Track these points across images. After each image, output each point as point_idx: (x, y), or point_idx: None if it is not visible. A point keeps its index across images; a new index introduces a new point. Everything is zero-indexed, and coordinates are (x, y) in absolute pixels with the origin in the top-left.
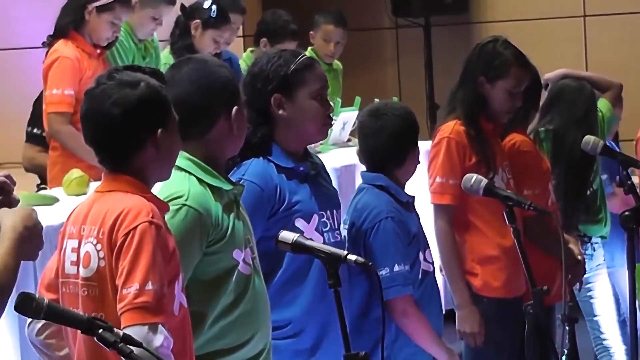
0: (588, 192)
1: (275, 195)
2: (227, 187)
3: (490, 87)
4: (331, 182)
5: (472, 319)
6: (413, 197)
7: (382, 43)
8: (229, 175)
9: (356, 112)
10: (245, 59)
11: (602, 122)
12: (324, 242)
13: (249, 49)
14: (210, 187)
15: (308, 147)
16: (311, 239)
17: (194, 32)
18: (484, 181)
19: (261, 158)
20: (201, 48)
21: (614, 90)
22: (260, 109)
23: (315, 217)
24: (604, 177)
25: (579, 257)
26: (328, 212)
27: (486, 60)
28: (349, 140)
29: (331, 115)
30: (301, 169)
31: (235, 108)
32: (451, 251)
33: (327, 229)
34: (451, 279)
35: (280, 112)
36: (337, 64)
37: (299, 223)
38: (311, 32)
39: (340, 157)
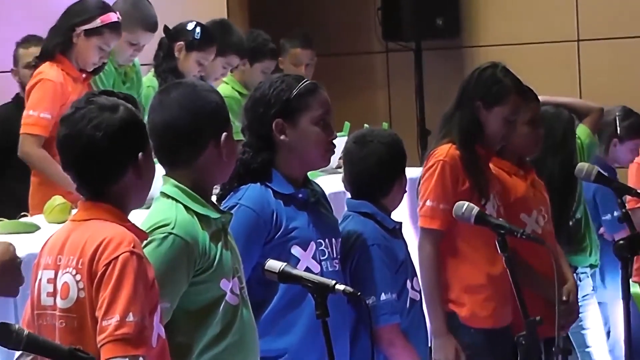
0: (571, 222)
1: (272, 221)
2: (214, 215)
3: (487, 113)
4: (332, 210)
5: (448, 347)
6: (400, 223)
7: (372, 67)
8: (225, 201)
9: (345, 138)
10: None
11: (582, 149)
12: (322, 271)
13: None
14: (198, 215)
15: None
16: (307, 268)
17: (177, 55)
18: (476, 209)
19: (258, 183)
20: (185, 71)
21: (593, 115)
22: (261, 134)
23: (313, 245)
24: (607, 217)
25: (570, 297)
26: (327, 240)
27: (485, 85)
28: (338, 167)
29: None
30: (300, 195)
31: (224, 134)
32: (434, 277)
33: (325, 257)
34: (430, 305)
35: (282, 137)
36: None
37: (296, 250)
38: (280, 59)
39: (328, 183)
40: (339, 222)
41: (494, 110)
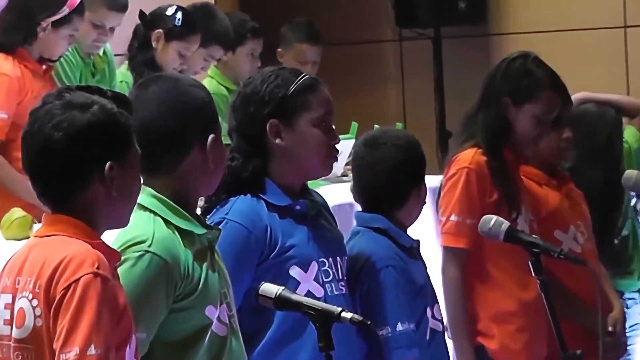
0: (616, 240)
1: (265, 238)
2: (199, 231)
3: (516, 111)
4: (335, 224)
5: None
6: (418, 241)
7: (383, 58)
8: (210, 215)
9: (352, 141)
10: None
11: (629, 154)
12: (325, 295)
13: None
14: (180, 230)
15: None
16: (309, 292)
17: (155, 45)
18: (505, 224)
19: (249, 195)
20: (164, 63)
21: None
22: (252, 138)
23: (315, 265)
24: None
25: (616, 327)
26: (330, 259)
27: (514, 78)
28: (343, 174)
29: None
30: (298, 207)
31: (211, 137)
32: (460, 304)
33: (329, 279)
34: (455, 337)
35: (277, 141)
36: None
37: (294, 271)
38: (279, 50)
39: (332, 194)
40: (346, 239)
41: (524, 107)
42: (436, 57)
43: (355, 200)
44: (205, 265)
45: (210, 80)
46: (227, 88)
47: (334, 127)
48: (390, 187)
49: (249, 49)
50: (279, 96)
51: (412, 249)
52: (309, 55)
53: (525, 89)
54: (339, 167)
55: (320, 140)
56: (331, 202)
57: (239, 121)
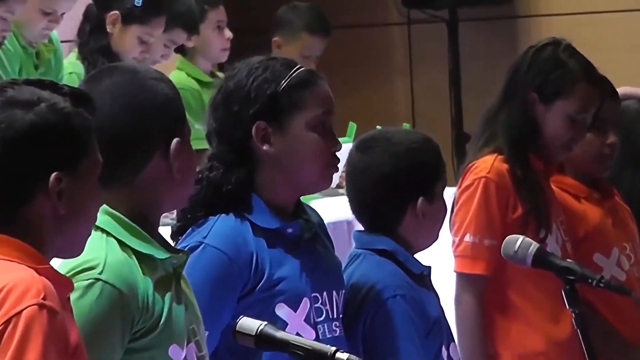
0: None
1: (250, 268)
2: (161, 255)
3: (545, 109)
4: (333, 249)
5: None
6: (429, 268)
7: (388, 45)
8: (184, 237)
9: (349, 145)
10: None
11: None
12: (317, 338)
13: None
14: (137, 254)
15: None
16: (297, 335)
17: (110, 29)
18: (534, 246)
19: (232, 214)
20: (122, 50)
21: None
22: (236, 143)
23: (306, 302)
24: None
25: None
26: (325, 294)
27: (542, 70)
28: (338, 185)
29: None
30: (290, 231)
31: (176, 140)
32: (478, 341)
33: (321, 318)
34: None
35: (265, 147)
36: None
37: (282, 311)
38: (276, 39)
39: (327, 209)
40: (344, 264)
41: (554, 105)
42: (452, 43)
43: (357, 218)
44: (168, 295)
45: (179, 73)
46: (198, 80)
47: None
48: (378, 200)
49: (212, 22)
50: (267, 93)
51: (423, 277)
52: (318, 48)
53: (556, 83)
54: (334, 176)
55: (317, 147)
56: (325, 219)
57: (220, 122)
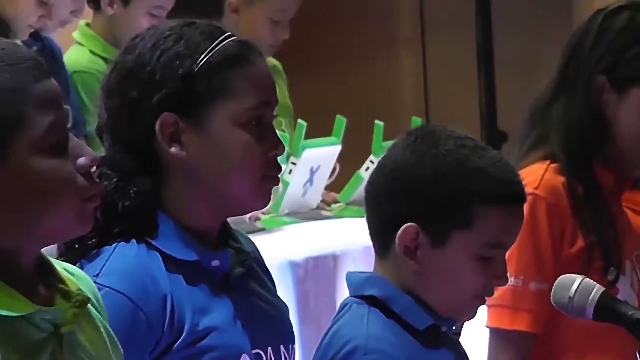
0: None
1: (164, 317)
2: (19, 311)
3: (618, 99)
4: (275, 289)
5: None
6: (449, 322)
7: (393, 9)
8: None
9: (337, 148)
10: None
11: None
12: None
13: (84, 22)
14: None
15: (235, 219)
16: None
17: None
18: (597, 290)
19: (134, 240)
20: (13, 14)
21: None
22: (134, 142)
23: None
24: None
25: None
26: (270, 350)
27: (615, 45)
28: (321, 206)
29: (279, 158)
30: (215, 263)
31: (17, 140)
32: None
33: None
34: None
35: (174, 149)
36: (274, 61)
37: None
38: (231, 0)
39: (306, 238)
40: (335, 316)
41: (631, 93)
42: (481, 5)
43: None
44: None
45: (80, 50)
46: (106, 60)
47: (280, 128)
48: (373, 225)
49: (145, 3)
50: (179, 73)
51: (435, 334)
52: (292, 9)
53: (635, 63)
54: (315, 192)
55: (249, 150)
56: (303, 253)
57: (114, 114)
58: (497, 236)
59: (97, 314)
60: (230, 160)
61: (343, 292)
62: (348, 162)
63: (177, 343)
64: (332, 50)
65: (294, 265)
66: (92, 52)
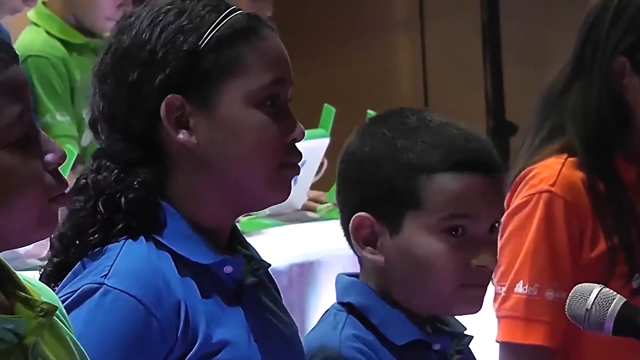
0: None
1: (177, 325)
2: None
3: None
4: (281, 302)
5: None
6: (442, 338)
7: None
8: (65, 282)
9: (325, 141)
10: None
11: None
12: None
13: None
14: None
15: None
16: None
17: None
18: (617, 301)
19: (142, 238)
20: None
21: None
22: (135, 130)
23: None
24: None
25: None
26: None
27: (632, 24)
28: (307, 207)
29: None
30: (228, 270)
31: None
32: None
33: None
34: None
35: (181, 135)
36: None
37: None
38: None
39: (289, 243)
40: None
41: None
42: None
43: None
44: None
45: (35, 31)
46: (65, 42)
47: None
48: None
49: None
50: (183, 49)
51: (421, 352)
52: None
53: None
54: (301, 190)
55: (264, 133)
56: (289, 259)
57: (110, 100)
58: (454, 207)
59: (65, 327)
60: (244, 144)
61: (331, 301)
62: (337, 157)
63: (190, 354)
64: (320, 34)
65: (276, 274)
66: (48, 33)
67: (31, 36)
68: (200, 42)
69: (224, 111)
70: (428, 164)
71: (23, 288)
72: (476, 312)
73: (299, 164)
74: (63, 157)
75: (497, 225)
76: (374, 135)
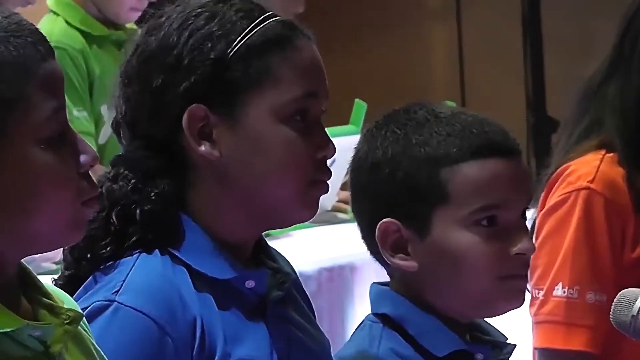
0: None
1: (192, 344)
2: (1, 327)
3: None
4: (315, 319)
5: None
6: (480, 347)
7: None
8: (79, 295)
9: (356, 138)
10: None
11: None
12: None
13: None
14: None
15: None
16: None
17: None
18: None
19: (157, 251)
20: None
21: None
22: (157, 138)
23: None
24: None
25: None
26: None
27: None
28: (337, 208)
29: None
30: (250, 284)
31: (15, 125)
32: None
33: None
34: None
35: (204, 147)
36: None
37: None
38: None
39: (318, 247)
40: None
41: None
42: None
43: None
44: None
45: (53, 20)
46: (84, 33)
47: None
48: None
49: None
50: (211, 57)
51: None
52: None
53: None
54: (329, 192)
55: (293, 150)
56: (317, 263)
57: (133, 104)
58: (485, 198)
59: (89, 337)
60: (269, 161)
61: (364, 310)
62: None
63: None
64: (351, 24)
65: (304, 279)
66: (67, 23)
67: (49, 25)
68: (229, 50)
69: (250, 124)
70: (449, 155)
71: (47, 294)
72: (519, 306)
73: (328, 178)
74: (96, 160)
75: (526, 210)
76: (384, 136)
